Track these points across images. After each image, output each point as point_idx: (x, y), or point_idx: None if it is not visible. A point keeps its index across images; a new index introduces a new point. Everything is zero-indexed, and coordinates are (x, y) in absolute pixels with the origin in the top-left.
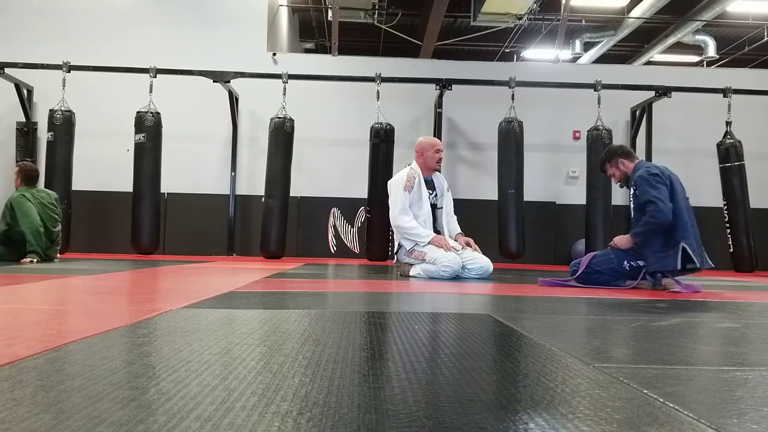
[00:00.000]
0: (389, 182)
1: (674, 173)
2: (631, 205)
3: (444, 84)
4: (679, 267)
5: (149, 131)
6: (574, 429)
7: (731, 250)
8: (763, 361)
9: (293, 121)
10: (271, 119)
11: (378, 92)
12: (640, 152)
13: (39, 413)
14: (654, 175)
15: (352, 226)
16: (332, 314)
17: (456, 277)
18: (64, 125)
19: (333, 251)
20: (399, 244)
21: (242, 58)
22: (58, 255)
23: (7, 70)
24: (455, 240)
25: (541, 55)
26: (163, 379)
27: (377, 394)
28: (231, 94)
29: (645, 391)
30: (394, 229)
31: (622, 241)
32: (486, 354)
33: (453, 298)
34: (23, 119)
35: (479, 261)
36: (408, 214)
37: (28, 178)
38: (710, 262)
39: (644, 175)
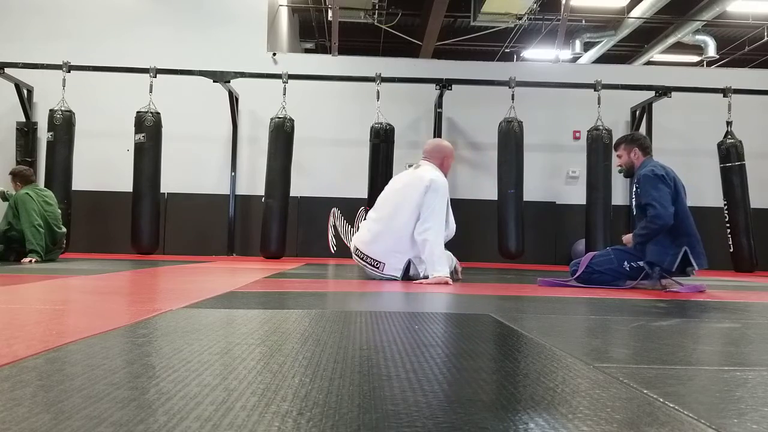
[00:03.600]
0: (435, 183)
1: (679, 178)
2: (633, 203)
3: (444, 84)
4: (674, 269)
5: (149, 131)
6: (574, 429)
7: (731, 250)
8: (763, 361)
9: (293, 121)
10: (271, 119)
11: (378, 92)
12: None
13: (39, 413)
14: (659, 177)
15: (352, 226)
16: (332, 314)
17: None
18: (64, 125)
19: (333, 251)
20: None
21: (242, 58)
22: (59, 257)
23: (7, 70)
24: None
25: (541, 55)
26: (163, 379)
27: (377, 394)
28: (231, 94)
29: (645, 391)
30: (418, 242)
31: (628, 239)
32: (486, 354)
33: (453, 298)
34: (23, 119)
35: None
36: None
37: (26, 179)
38: (694, 272)
39: (649, 175)
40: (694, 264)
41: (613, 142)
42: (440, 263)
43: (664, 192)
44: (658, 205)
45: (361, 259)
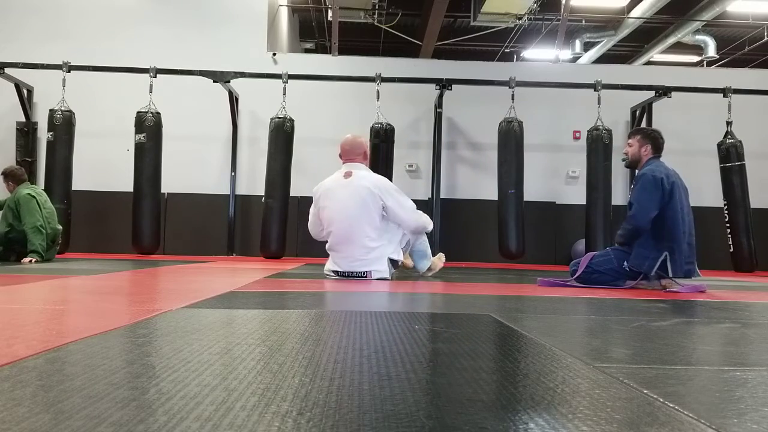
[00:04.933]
0: (382, 184)
1: (681, 181)
2: (630, 198)
3: (444, 84)
4: (653, 273)
5: (149, 131)
6: (574, 429)
7: (731, 250)
8: (763, 361)
9: (293, 121)
10: (271, 119)
11: (378, 92)
12: None
13: (39, 413)
14: (655, 180)
15: None
16: (332, 314)
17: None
18: (64, 125)
19: None
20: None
21: (242, 58)
22: (56, 255)
23: (7, 70)
24: None
25: (541, 55)
26: (163, 379)
27: (377, 394)
28: (231, 94)
29: (645, 391)
30: (409, 232)
31: None
32: (486, 354)
33: (453, 298)
34: (23, 119)
35: None
36: None
37: (17, 178)
38: (698, 273)
39: (648, 176)
40: (669, 271)
41: (623, 135)
42: (428, 223)
43: (653, 195)
44: (638, 207)
45: (347, 276)
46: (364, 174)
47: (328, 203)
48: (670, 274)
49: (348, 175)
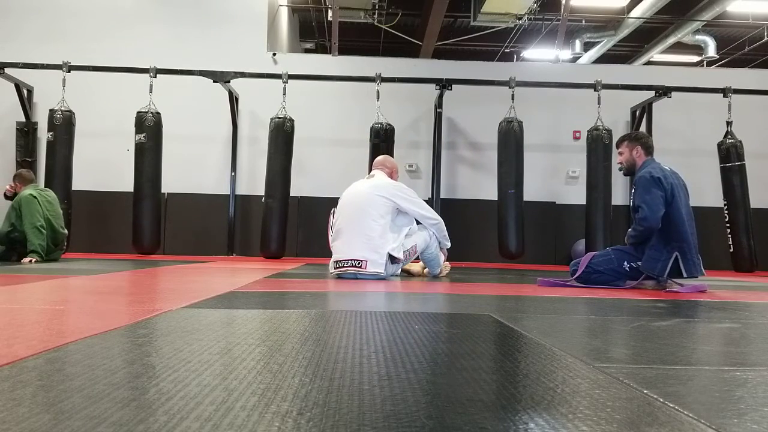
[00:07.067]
0: (400, 186)
1: (680, 179)
2: (631, 203)
3: (444, 84)
4: (665, 275)
5: (149, 131)
6: (574, 429)
7: (731, 250)
8: (763, 361)
9: (293, 121)
10: (271, 119)
11: (378, 92)
12: None
13: (39, 413)
14: (654, 179)
15: None
16: (332, 314)
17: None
18: (64, 125)
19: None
20: (390, 257)
21: (242, 58)
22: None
23: (7, 70)
24: None
25: (541, 55)
26: (163, 379)
27: (377, 394)
28: (231, 94)
29: (645, 391)
30: (433, 230)
31: None
32: (486, 354)
33: (453, 298)
34: (23, 119)
35: None
36: None
37: (23, 179)
38: (702, 271)
39: (646, 177)
40: (684, 272)
41: (615, 141)
42: (446, 239)
43: (656, 196)
44: (647, 207)
45: (342, 266)
46: (383, 177)
47: (346, 191)
48: (684, 275)
49: (371, 177)
